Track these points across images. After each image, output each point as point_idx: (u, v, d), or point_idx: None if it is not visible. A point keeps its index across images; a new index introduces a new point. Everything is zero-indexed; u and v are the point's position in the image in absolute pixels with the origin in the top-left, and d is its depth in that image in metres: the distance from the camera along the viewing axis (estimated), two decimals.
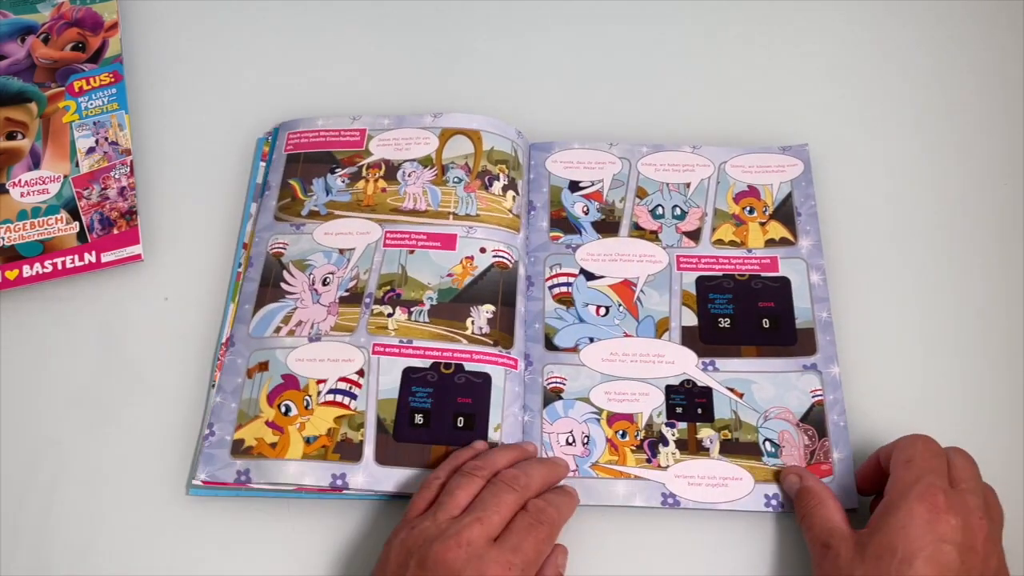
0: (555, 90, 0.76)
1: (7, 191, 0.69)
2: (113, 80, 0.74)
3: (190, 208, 0.70)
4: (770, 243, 0.66)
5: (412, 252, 0.66)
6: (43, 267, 0.66)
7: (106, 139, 0.71)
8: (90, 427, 0.62)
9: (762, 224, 0.67)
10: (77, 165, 0.70)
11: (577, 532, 0.56)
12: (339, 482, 0.57)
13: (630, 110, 0.75)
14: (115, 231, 0.68)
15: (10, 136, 0.71)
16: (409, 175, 0.69)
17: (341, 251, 0.66)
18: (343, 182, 0.69)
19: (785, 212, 0.67)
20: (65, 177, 0.70)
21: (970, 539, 0.48)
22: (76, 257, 0.67)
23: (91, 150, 0.71)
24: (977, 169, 0.71)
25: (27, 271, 0.66)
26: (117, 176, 0.70)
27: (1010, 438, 0.60)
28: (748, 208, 0.68)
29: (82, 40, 0.76)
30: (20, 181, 0.69)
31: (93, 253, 0.67)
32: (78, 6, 0.77)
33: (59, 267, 0.66)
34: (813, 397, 0.60)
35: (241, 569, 0.57)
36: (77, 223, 0.68)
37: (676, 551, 0.56)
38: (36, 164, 0.70)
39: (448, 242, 0.66)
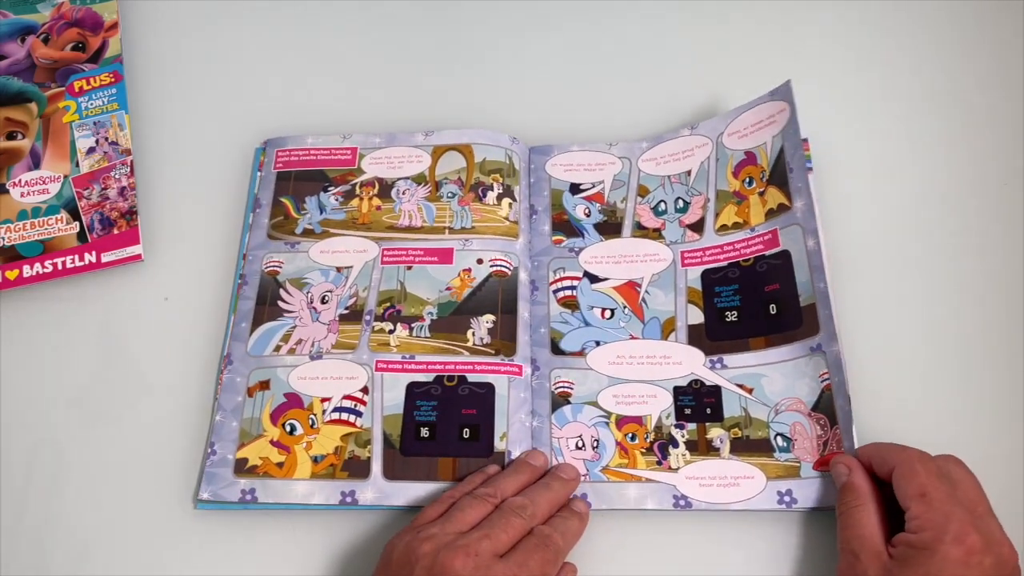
0: (552, 92, 0.76)
1: (7, 191, 0.68)
2: (113, 80, 0.73)
3: (190, 209, 0.70)
4: (770, 214, 0.64)
5: (410, 268, 0.66)
6: (43, 267, 0.66)
7: (106, 139, 0.71)
8: (90, 427, 0.61)
9: (761, 194, 0.65)
10: (77, 165, 0.70)
11: (589, 536, 0.56)
12: (348, 499, 0.57)
13: (629, 104, 0.74)
14: (115, 231, 0.67)
15: (10, 136, 0.71)
16: (403, 193, 0.69)
17: (339, 269, 0.66)
18: (337, 200, 0.69)
19: (779, 172, 0.65)
20: (65, 177, 0.69)
21: (1000, 570, 0.48)
22: (76, 257, 0.66)
23: (91, 150, 0.70)
24: (975, 163, 0.71)
25: (27, 271, 0.66)
26: (117, 176, 0.69)
27: (1016, 411, 0.60)
28: (747, 179, 0.66)
29: (82, 40, 0.75)
30: (20, 181, 0.69)
31: (93, 253, 0.66)
32: (78, 6, 0.76)
33: (59, 267, 0.66)
34: (822, 382, 0.58)
35: None
36: (77, 223, 0.67)
37: (689, 553, 0.56)
38: (36, 164, 0.70)
39: (445, 256, 0.66)
